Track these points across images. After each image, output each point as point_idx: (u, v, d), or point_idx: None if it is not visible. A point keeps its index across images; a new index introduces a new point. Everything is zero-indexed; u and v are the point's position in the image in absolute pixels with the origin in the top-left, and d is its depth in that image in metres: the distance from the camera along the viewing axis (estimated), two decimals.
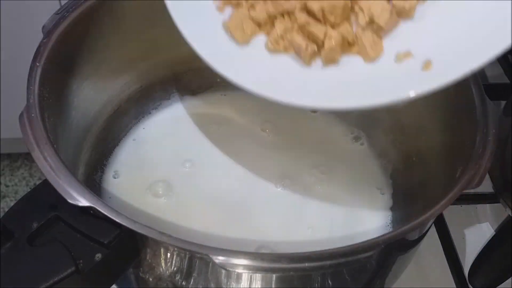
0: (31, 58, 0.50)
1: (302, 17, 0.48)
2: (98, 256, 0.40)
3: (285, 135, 0.69)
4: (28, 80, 0.48)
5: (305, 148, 0.68)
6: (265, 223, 0.59)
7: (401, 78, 0.45)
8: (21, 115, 0.46)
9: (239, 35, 0.50)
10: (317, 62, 0.48)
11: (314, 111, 0.70)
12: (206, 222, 0.58)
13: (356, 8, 0.48)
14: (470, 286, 0.58)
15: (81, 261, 0.40)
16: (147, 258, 0.44)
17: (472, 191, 0.46)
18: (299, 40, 0.48)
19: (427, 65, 0.44)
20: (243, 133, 0.68)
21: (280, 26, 0.49)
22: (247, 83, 0.49)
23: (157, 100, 0.71)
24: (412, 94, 0.43)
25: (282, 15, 0.49)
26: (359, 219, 0.60)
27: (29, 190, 0.44)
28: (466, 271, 0.59)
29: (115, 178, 0.62)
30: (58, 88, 0.53)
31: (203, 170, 0.64)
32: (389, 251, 0.45)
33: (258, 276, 0.42)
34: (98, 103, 0.63)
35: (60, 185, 0.41)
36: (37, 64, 0.49)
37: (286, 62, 0.49)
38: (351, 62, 0.48)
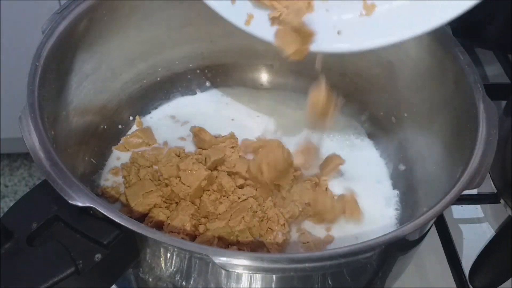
0: (31, 58, 0.50)
1: None
2: (98, 256, 0.40)
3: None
4: (28, 80, 0.48)
5: None
6: None
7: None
8: (21, 115, 0.45)
9: None
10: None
11: None
12: None
13: None
14: (470, 286, 0.58)
15: (80, 261, 0.39)
16: (147, 258, 0.44)
17: (472, 191, 0.46)
18: None
19: None
20: (248, 131, 0.68)
21: None
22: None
23: (157, 100, 0.71)
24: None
25: None
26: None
27: (28, 190, 0.44)
28: (466, 271, 0.58)
29: None
30: (57, 88, 0.53)
31: None
32: (390, 251, 0.45)
33: (258, 277, 0.42)
34: (98, 103, 0.63)
35: (60, 185, 0.41)
36: (37, 64, 0.49)
37: None
38: None
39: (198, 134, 0.64)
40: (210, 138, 0.64)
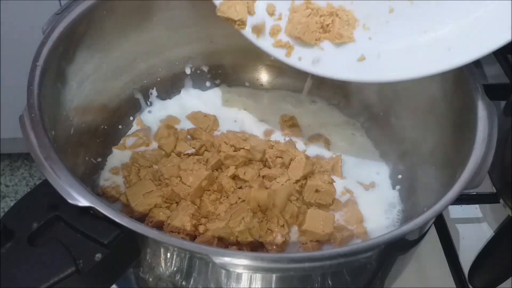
0: (31, 58, 0.50)
1: None
2: (98, 256, 0.40)
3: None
4: (28, 80, 0.48)
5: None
6: None
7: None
8: (21, 115, 0.46)
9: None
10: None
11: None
12: None
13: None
14: (470, 286, 0.58)
15: (81, 261, 0.40)
16: (147, 258, 0.44)
17: (472, 191, 0.46)
18: None
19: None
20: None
21: None
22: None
23: (157, 100, 0.71)
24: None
25: None
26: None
27: (29, 190, 0.44)
28: (466, 271, 0.59)
29: None
30: (58, 88, 0.53)
31: None
32: (389, 251, 0.45)
33: (258, 276, 0.42)
34: (98, 103, 0.63)
35: (60, 185, 0.41)
36: (37, 64, 0.49)
37: None
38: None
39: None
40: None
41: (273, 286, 0.43)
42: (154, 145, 0.66)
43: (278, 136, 0.68)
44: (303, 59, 0.54)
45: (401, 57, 0.50)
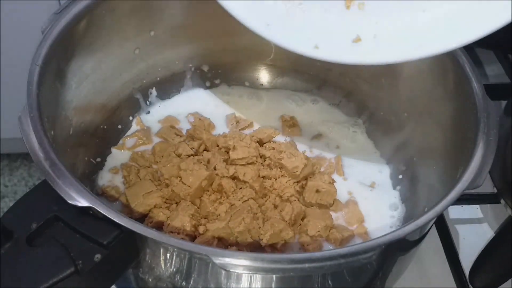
0: (30, 58, 0.50)
1: None
2: (98, 256, 0.40)
3: None
4: (28, 80, 0.48)
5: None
6: None
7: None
8: (20, 115, 0.45)
9: None
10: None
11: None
12: None
13: None
14: (470, 286, 0.58)
15: (80, 261, 0.39)
16: (147, 258, 0.44)
17: (473, 191, 0.46)
18: None
19: None
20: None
21: None
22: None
23: (157, 100, 0.71)
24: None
25: None
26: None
27: (28, 190, 0.44)
28: (466, 271, 0.58)
29: None
30: (57, 88, 0.53)
31: None
32: (390, 251, 0.45)
33: (258, 277, 0.42)
34: (98, 103, 0.63)
35: (59, 185, 0.41)
36: (36, 64, 0.49)
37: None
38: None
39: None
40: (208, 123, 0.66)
41: (273, 286, 0.43)
42: (154, 144, 0.66)
43: (278, 136, 0.67)
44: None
45: (398, 37, 0.48)
